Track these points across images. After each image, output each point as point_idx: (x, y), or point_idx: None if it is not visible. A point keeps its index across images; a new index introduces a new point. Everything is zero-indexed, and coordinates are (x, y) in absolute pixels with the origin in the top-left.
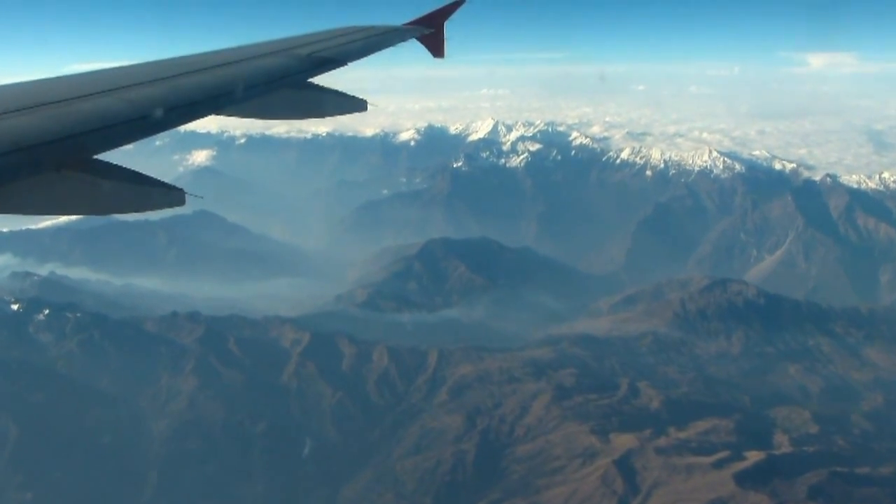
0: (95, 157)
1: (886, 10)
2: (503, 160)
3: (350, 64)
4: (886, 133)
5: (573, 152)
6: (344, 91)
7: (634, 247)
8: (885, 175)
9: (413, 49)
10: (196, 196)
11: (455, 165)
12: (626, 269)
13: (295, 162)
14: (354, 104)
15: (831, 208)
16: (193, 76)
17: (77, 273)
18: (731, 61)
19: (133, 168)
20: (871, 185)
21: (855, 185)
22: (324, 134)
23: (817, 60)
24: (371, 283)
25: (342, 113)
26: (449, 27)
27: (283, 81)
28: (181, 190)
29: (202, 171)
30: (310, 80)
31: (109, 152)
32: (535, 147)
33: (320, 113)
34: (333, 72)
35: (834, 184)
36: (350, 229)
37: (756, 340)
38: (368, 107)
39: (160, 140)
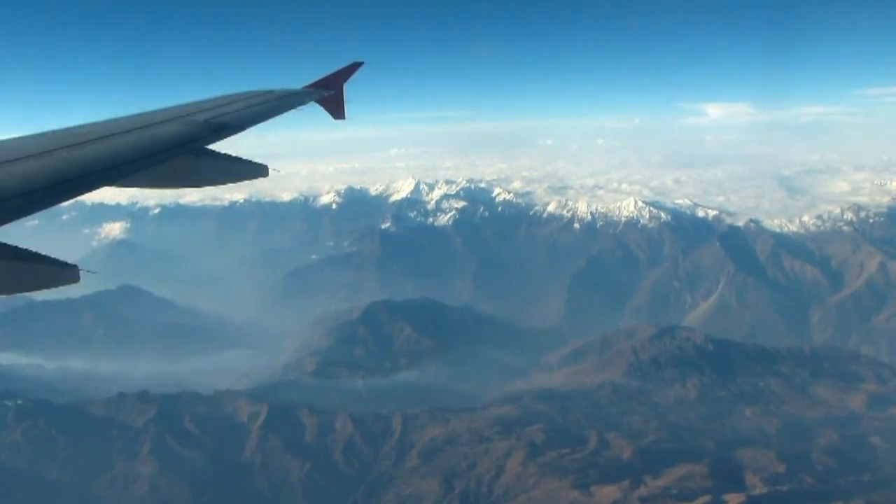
0: None
1: (774, 61)
2: (430, 219)
3: (250, 129)
4: (794, 178)
5: (499, 208)
6: (244, 157)
7: (571, 299)
8: (805, 218)
9: (314, 112)
10: (90, 272)
11: (383, 226)
12: (566, 322)
13: (214, 231)
14: (255, 170)
15: (758, 253)
16: (85, 147)
17: (4, 359)
18: (629, 114)
19: (41, 245)
20: (793, 228)
21: (777, 230)
22: (241, 200)
23: (715, 110)
24: (317, 351)
25: (243, 179)
26: (349, 89)
27: (181, 149)
28: (75, 266)
29: (118, 245)
30: (208, 146)
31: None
32: (460, 204)
33: (221, 180)
34: (234, 137)
35: (758, 229)
36: (281, 297)
37: (710, 385)
38: (273, 172)
39: (67, 214)
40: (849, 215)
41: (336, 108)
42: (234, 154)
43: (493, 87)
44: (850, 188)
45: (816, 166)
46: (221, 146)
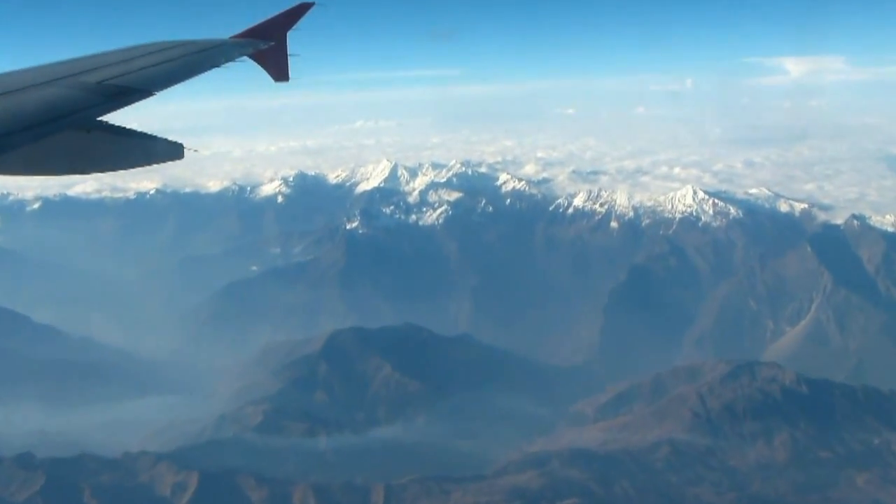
0: None
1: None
2: (413, 216)
3: (159, 93)
4: None
5: (507, 201)
6: (152, 132)
7: (609, 326)
8: None
9: (247, 72)
10: None
11: (348, 227)
12: (603, 357)
13: (115, 232)
14: (166, 150)
15: (865, 261)
16: None
17: None
18: (679, 72)
19: None
20: None
21: (890, 229)
22: (152, 191)
23: (797, 67)
24: (263, 398)
25: (151, 162)
26: (295, 39)
27: (65, 121)
28: None
29: None
30: (101, 117)
31: None
32: (453, 196)
33: (120, 163)
34: (138, 105)
35: (863, 228)
36: (209, 323)
37: (806, 443)
38: (192, 153)
39: None
40: None
41: (277, 66)
42: (138, 128)
43: (491, 36)
44: None
45: None
46: (121, 117)
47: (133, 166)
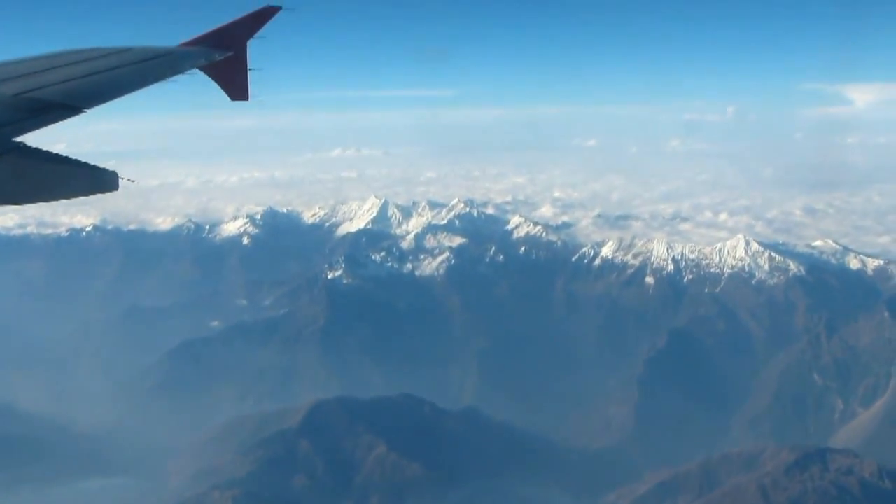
0: None
1: None
2: (408, 265)
3: (91, 110)
4: None
5: (521, 249)
6: (80, 157)
7: (645, 402)
8: None
9: (200, 87)
10: None
11: (330, 275)
12: (638, 440)
13: (42, 276)
14: (98, 179)
15: None
16: None
17: None
18: (721, 98)
19: None
20: None
21: None
22: (88, 228)
23: (864, 95)
24: (229, 482)
25: (75, 195)
26: (256, 50)
27: None
28: None
29: None
30: (18, 138)
31: None
32: (455, 241)
33: (41, 194)
34: (66, 123)
35: None
36: (161, 390)
37: None
38: (130, 183)
39: None
40: None
41: (235, 82)
42: (64, 152)
43: (492, 50)
44: None
45: None
46: (43, 138)
47: (54, 198)
